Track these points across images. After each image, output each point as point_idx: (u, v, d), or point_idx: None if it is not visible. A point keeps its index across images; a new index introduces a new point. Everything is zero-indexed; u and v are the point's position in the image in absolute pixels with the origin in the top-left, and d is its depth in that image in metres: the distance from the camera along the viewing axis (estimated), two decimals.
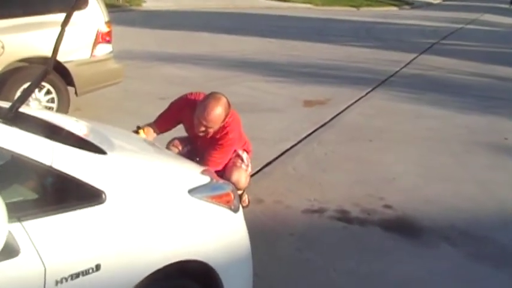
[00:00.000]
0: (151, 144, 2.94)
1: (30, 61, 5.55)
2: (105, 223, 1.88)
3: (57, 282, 1.69)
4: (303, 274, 3.32)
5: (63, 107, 5.74)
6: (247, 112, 6.51)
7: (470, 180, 4.97)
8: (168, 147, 3.98)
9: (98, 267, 1.80)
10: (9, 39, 5.28)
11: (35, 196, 1.86)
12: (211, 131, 3.63)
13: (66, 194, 1.84)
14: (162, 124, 3.84)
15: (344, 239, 3.82)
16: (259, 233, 3.79)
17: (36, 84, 2.48)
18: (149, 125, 3.82)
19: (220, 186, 2.49)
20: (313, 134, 6.03)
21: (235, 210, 2.48)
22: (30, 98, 5.44)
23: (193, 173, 2.39)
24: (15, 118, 2.03)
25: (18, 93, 5.44)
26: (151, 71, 8.91)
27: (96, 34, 5.77)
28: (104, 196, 1.88)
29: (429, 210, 4.27)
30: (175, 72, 8.90)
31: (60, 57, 5.51)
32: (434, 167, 5.24)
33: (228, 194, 2.46)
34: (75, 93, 5.86)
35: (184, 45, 11.49)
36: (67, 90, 5.79)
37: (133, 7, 19.98)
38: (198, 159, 3.87)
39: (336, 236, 3.85)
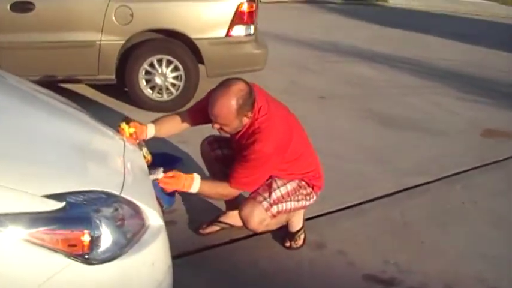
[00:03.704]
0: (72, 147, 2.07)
1: (158, 33, 5.13)
2: None
3: None
4: None
5: (190, 87, 5.24)
6: (407, 130, 5.36)
7: None
8: (201, 145, 3.15)
9: None
10: (138, 7, 4.91)
11: None
12: (227, 129, 2.68)
13: None
14: (194, 113, 2.93)
15: None
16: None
17: None
18: (178, 113, 2.96)
19: (66, 219, 1.62)
20: (467, 172, 4.51)
21: (92, 261, 1.61)
22: (156, 72, 5.06)
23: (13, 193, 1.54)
24: None
25: (145, 66, 5.09)
26: (334, 66, 8.01)
27: (235, 12, 5.08)
28: None
29: None
30: (360, 71, 7.86)
31: (192, 34, 5.02)
32: None
33: (76, 235, 1.60)
34: (207, 74, 5.29)
35: (395, 45, 10.22)
36: (197, 70, 5.25)
37: (379, 2, 19.07)
38: None
39: None
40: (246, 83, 2.62)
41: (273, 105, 2.80)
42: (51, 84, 4.73)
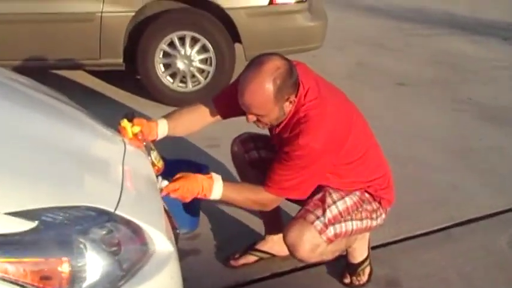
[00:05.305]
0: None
1: (179, 1, 5.24)
2: None
3: None
4: None
5: (223, 73, 5.31)
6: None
7: None
8: (231, 145, 3.22)
9: None
10: None
11: None
12: (265, 120, 2.69)
13: None
14: (221, 102, 2.95)
15: None
16: None
17: None
18: (200, 104, 2.98)
19: (38, 243, 1.68)
20: None
21: None
22: (177, 54, 5.17)
23: None
24: None
25: (162, 46, 5.19)
26: (421, 42, 8.02)
27: None
28: None
29: None
30: (457, 48, 7.83)
31: (224, 2, 5.12)
32: None
33: (52, 265, 1.66)
34: (245, 55, 5.35)
35: None
36: (232, 50, 5.35)
37: None
38: None
39: None
40: (284, 58, 2.65)
41: (324, 89, 2.82)
42: (39, 71, 4.90)
